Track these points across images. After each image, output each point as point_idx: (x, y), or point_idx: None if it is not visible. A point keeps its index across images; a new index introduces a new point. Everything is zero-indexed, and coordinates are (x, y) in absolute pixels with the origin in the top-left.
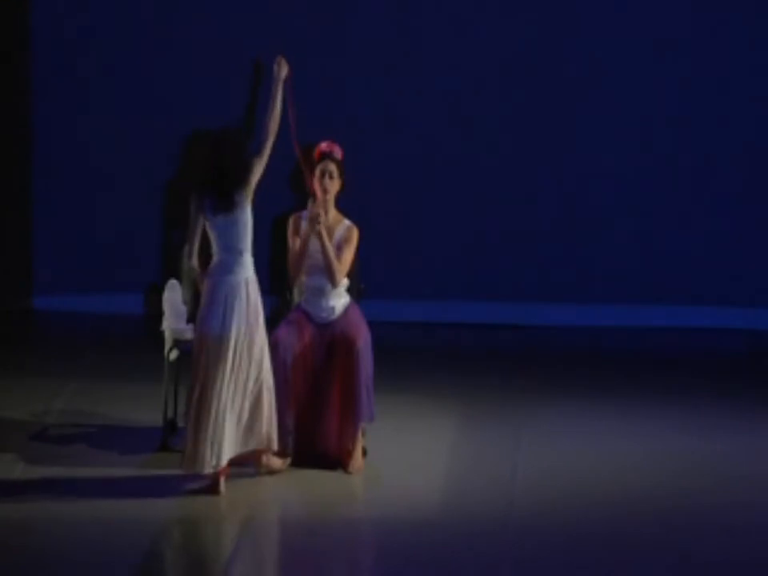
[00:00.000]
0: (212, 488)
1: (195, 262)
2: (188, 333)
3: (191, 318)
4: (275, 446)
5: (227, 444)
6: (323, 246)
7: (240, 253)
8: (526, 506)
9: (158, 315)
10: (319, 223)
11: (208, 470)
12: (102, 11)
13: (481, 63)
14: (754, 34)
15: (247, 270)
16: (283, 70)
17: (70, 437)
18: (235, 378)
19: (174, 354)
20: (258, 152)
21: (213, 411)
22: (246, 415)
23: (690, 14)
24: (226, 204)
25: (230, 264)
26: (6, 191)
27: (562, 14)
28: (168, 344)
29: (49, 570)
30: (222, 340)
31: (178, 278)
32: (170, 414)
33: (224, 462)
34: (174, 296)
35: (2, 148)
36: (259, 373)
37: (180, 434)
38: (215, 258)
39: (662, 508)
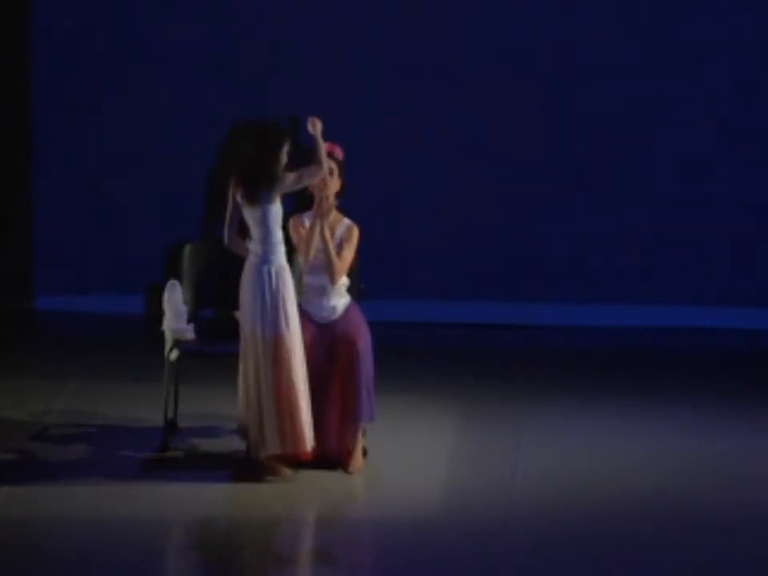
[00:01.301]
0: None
1: (236, 241)
2: (188, 333)
3: (191, 318)
4: (308, 447)
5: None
6: (324, 241)
7: (270, 243)
8: (526, 506)
9: (158, 315)
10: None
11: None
12: (103, 11)
13: (481, 62)
14: None
15: (278, 259)
16: (318, 126)
17: (70, 437)
18: (266, 376)
19: (174, 354)
20: (299, 171)
21: (266, 400)
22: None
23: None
24: (252, 200)
25: (260, 252)
26: (6, 191)
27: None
28: (168, 344)
29: (49, 570)
30: (254, 338)
31: (179, 277)
32: (170, 414)
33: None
34: (174, 296)
35: (2, 148)
36: (288, 373)
37: (180, 434)
38: (250, 246)
39: (661, 508)
